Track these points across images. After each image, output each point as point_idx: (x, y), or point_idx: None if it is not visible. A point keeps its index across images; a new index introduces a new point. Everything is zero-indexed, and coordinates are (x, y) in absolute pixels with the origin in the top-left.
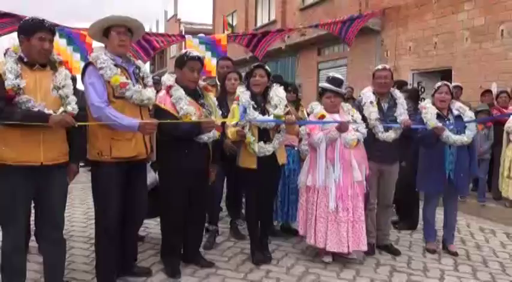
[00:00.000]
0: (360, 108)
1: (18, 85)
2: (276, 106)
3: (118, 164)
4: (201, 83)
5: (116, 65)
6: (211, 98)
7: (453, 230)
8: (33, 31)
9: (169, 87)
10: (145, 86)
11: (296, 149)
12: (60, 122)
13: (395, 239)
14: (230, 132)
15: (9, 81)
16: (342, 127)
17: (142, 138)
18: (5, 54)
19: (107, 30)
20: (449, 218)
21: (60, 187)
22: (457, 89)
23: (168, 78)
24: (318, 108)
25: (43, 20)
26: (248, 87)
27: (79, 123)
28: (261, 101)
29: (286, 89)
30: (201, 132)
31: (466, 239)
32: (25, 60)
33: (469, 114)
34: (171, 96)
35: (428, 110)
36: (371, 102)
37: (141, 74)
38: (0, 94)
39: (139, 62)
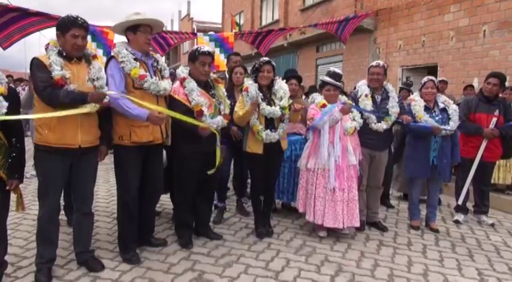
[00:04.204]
0: (355, 100)
1: (65, 75)
2: (281, 98)
3: (136, 147)
4: (212, 75)
5: (135, 59)
6: (221, 89)
7: (435, 210)
8: (68, 28)
9: (183, 79)
10: (162, 77)
11: (303, 137)
12: (97, 96)
13: (384, 216)
14: (237, 116)
15: (57, 72)
16: (345, 109)
17: (159, 125)
18: (46, 49)
19: (132, 27)
20: (432, 198)
21: (91, 167)
22: (443, 83)
23: (182, 71)
24: (319, 98)
25: (77, 17)
26: (256, 80)
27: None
28: (267, 92)
29: (299, 82)
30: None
31: (446, 217)
32: (64, 54)
33: (453, 107)
34: (184, 87)
35: (417, 103)
36: (366, 95)
37: (158, 67)
38: (49, 81)
39: (157, 56)
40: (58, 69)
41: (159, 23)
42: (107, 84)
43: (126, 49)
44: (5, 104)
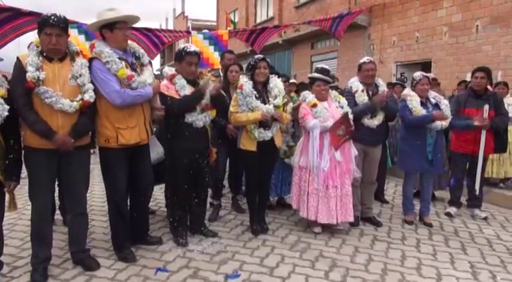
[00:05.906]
0: (352, 96)
1: (38, 77)
2: (276, 96)
3: (123, 148)
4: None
5: (119, 58)
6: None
7: (429, 204)
8: (41, 27)
9: (172, 76)
10: (142, 64)
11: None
12: (63, 143)
13: (378, 212)
14: (239, 120)
15: (30, 74)
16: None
17: (144, 124)
18: (28, 47)
19: (109, 24)
20: (426, 193)
21: (80, 167)
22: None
23: (169, 69)
24: (310, 97)
25: (51, 16)
26: (252, 78)
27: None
28: (262, 90)
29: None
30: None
31: (440, 212)
32: (44, 54)
33: (444, 102)
34: (175, 84)
35: (413, 98)
36: (362, 91)
37: (136, 54)
38: (21, 89)
39: (132, 44)
40: (32, 70)
41: (134, 18)
42: (92, 83)
43: (107, 47)
44: (7, 107)
